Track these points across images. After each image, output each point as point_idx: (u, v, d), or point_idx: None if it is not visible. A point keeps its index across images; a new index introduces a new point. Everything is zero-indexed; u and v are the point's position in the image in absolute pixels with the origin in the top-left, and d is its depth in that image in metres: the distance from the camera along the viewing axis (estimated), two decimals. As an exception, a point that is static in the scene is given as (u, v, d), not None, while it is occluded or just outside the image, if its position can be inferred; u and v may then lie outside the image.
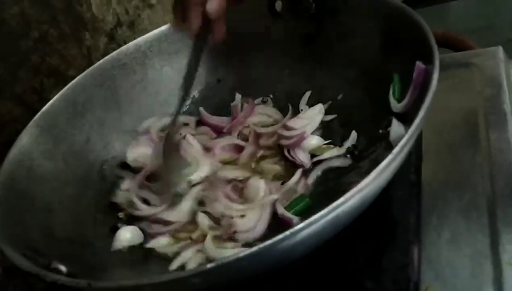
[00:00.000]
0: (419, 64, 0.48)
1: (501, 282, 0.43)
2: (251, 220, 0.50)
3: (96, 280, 0.38)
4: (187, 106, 0.71)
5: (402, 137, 0.38)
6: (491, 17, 1.20)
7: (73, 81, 0.65)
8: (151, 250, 0.54)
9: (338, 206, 0.35)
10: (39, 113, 0.61)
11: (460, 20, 1.19)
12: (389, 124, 0.52)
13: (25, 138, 0.58)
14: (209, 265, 0.35)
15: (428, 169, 0.56)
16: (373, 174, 0.36)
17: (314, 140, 0.58)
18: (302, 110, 0.64)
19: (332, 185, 0.54)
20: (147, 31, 0.71)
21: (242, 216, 0.52)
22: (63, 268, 0.41)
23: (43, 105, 0.62)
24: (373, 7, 0.59)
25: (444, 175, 0.55)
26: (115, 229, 0.55)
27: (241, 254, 0.35)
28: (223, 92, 0.71)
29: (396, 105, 0.52)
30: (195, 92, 0.71)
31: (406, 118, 0.50)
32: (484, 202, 0.50)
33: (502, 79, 0.63)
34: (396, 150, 0.37)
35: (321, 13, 0.66)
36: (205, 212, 0.55)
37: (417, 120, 0.39)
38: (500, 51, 0.68)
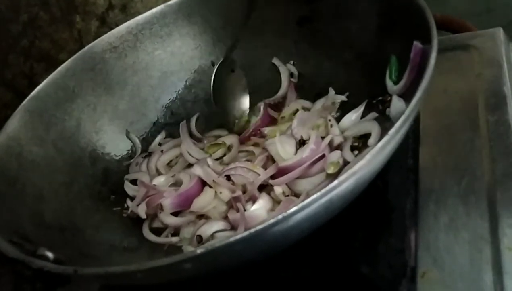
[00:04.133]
0: (417, 44, 0.46)
1: (500, 266, 0.42)
2: None
3: (85, 267, 0.37)
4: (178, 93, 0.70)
5: (401, 112, 0.37)
6: (490, 0, 1.18)
7: (63, 65, 0.63)
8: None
9: (331, 190, 0.34)
10: (28, 98, 0.59)
11: (459, 3, 1.17)
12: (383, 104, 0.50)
13: (14, 124, 0.56)
14: (199, 250, 0.34)
15: (425, 153, 0.55)
16: (367, 156, 0.35)
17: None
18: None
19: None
20: (140, 14, 0.69)
21: None
22: (50, 254, 0.40)
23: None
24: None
25: (442, 159, 0.54)
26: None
27: (233, 239, 0.34)
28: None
29: (393, 87, 0.51)
30: (188, 75, 0.70)
31: (404, 99, 0.49)
32: (483, 186, 0.49)
33: (502, 61, 0.62)
34: (392, 131, 0.36)
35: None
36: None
37: (415, 100, 0.37)
38: (500, 32, 0.67)
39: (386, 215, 0.49)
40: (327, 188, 0.33)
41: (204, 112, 0.68)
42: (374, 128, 0.51)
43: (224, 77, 0.65)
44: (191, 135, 0.66)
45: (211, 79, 0.69)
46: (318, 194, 0.33)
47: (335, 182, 0.34)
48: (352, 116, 0.56)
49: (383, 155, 0.37)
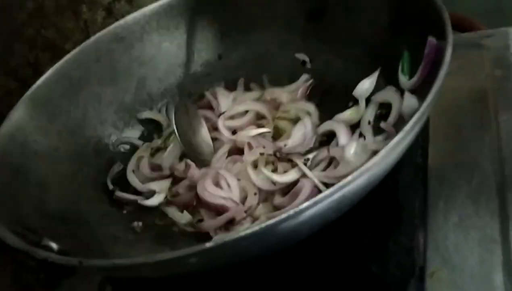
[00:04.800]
0: (431, 40, 0.45)
1: (511, 267, 0.42)
2: None
3: (90, 258, 0.37)
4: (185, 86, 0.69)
5: (415, 110, 0.36)
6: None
7: (69, 55, 0.63)
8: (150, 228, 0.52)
9: (344, 185, 0.33)
10: (33, 87, 0.58)
11: (467, 2, 1.16)
12: None
13: (18, 113, 0.56)
14: (207, 245, 0.33)
15: (435, 152, 0.54)
16: (382, 152, 0.34)
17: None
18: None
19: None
20: (146, 5, 0.69)
21: None
22: (54, 245, 0.40)
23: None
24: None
25: (452, 158, 0.53)
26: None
27: (242, 234, 0.33)
28: (224, 69, 0.69)
29: (405, 83, 0.50)
30: (195, 68, 0.69)
31: (417, 96, 0.48)
32: (493, 186, 0.49)
33: (512, 61, 0.61)
34: (407, 127, 0.35)
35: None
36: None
37: (430, 95, 0.37)
38: (510, 31, 0.66)
39: (396, 213, 0.48)
40: (340, 183, 0.33)
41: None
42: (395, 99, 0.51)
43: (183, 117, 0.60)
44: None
45: (218, 72, 0.69)
46: (331, 189, 0.33)
47: (349, 177, 0.33)
48: (366, 83, 0.55)
49: (397, 152, 0.36)
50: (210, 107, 0.64)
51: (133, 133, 0.65)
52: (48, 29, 0.69)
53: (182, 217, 0.52)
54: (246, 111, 0.61)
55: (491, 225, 0.46)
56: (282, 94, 0.62)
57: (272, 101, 0.62)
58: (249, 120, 0.60)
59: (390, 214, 0.48)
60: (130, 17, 0.67)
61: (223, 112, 0.62)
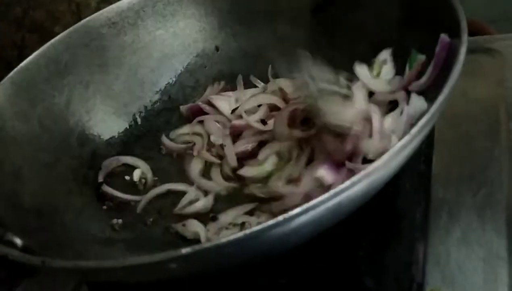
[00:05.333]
0: (444, 38, 0.42)
1: (518, 289, 0.39)
2: None
3: (58, 258, 0.33)
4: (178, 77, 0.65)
5: (422, 112, 0.33)
6: (508, 6, 1.14)
7: (57, 37, 0.59)
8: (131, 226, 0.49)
9: (341, 191, 0.29)
10: (15, 69, 0.55)
11: (476, 8, 1.13)
12: None
13: (-2, 96, 0.52)
14: (184, 250, 0.29)
15: (439, 160, 0.51)
16: (385, 157, 0.31)
17: None
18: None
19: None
20: (144, -10, 0.65)
21: None
22: (18, 241, 0.36)
23: (24, 62, 0.57)
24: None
25: (457, 167, 0.50)
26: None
27: (224, 240, 0.29)
28: (221, 62, 0.65)
29: (414, 83, 0.47)
30: (190, 59, 0.65)
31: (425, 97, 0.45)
32: (501, 199, 0.46)
33: (526, 67, 0.58)
34: (414, 130, 0.32)
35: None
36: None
37: (441, 97, 0.33)
38: (525, 37, 0.63)
39: (394, 223, 0.45)
40: (337, 189, 0.29)
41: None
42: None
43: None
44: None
45: (214, 65, 0.65)
46: (326, 195, 0.29)
47: (347, 183, 0.29)
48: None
49: (401, 157, 0.33)
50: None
51: (120, 124, 0.61)
52: (37, 9, 0.66)
53: None
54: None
55: (497, 241, 0.43)
56: (287, 84, 0.59)
57: (281, 92, 0.59)
58: (265, 114, 0.57)
59: (388, 223, 0.45)
60: (124, 1, 0.64)
61: (236, 108, 0.58)
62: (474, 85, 0.59)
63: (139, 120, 0.62)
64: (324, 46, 0.60)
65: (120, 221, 0.50)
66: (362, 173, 0.30)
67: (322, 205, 0.29)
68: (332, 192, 0.29)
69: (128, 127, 0.61)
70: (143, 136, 0.61)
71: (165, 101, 0.64)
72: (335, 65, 0.59)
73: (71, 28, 0.60)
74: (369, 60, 0.54)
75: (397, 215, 0.46)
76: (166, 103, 0.64)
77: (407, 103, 0.45)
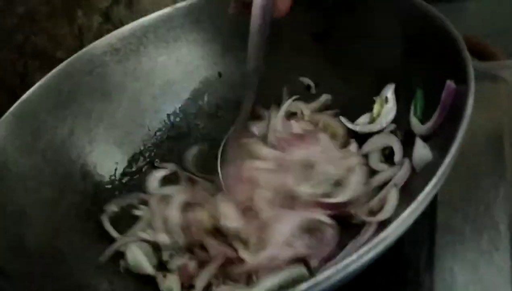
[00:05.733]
0: (450, 84, 0.41)
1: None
2: None
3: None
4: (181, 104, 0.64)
5: (426, 161, 0.32)
6: (510, 20, 1.13)
7: (59, 67, 0.59)
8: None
9: (347, 266, 0.29)
10: (17, 103, 0.55)
11: (476, 22, 1.12)
12: None
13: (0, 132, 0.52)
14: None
15: (443, 196, 0.50)
16: (391, 226, 0.30)
17: None
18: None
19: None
20: (147, 11, 0.65)
21: None
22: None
23: (26, 90, 0.56)
24: (395, 7, 0.53)
25: (462, 206, 0.49)
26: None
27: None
28: (224, 88, 0.65)
29: (418, 127, 0.46)
30: (193, 86, 0.65)
31: (429, 142, 0.44)
32: (507, 242, 0.45)
33: (533, 97, 0.57)
34: (420, 197, 0.32)
35: (338, 8, 0.59)
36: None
37: (448, 157, 0.33)
38: (530, 63, 0.62)
39: (399, 269, 0.44)
40: (343, 264, 0.29)
41: (208, 128, 0.64)
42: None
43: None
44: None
45: (217, 91, 0.65)
46: (333, 269, 0.29)
47: (353, 257, 0.29)
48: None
49: (407, 223, 0.33)
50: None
51: (123, 154, 0.61)
52: (39, 35, 0.65)
53: None
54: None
55: (504, 287, 0.42)
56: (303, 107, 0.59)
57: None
58: None
59: (392, 269, 0.44)
60: (126, 28, 0.63)
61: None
62: (479, 115, 0.56)
63: (142, 149, 0.62)
64: (325, 74, 0.60)
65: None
66: (368, 245, 0.30)
67: (328, 280, 0.29)
68: (339, 265, 0.29)
69: (131, 157, 0.61)
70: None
71: (168, 129, 0.63)
72: (337, 95, 0.59)
73: (73, 56, 0.60)
74: (372, 93, 0.54)
75: (402, 261, 0.45)
76: (169, 131, 0.63)
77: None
